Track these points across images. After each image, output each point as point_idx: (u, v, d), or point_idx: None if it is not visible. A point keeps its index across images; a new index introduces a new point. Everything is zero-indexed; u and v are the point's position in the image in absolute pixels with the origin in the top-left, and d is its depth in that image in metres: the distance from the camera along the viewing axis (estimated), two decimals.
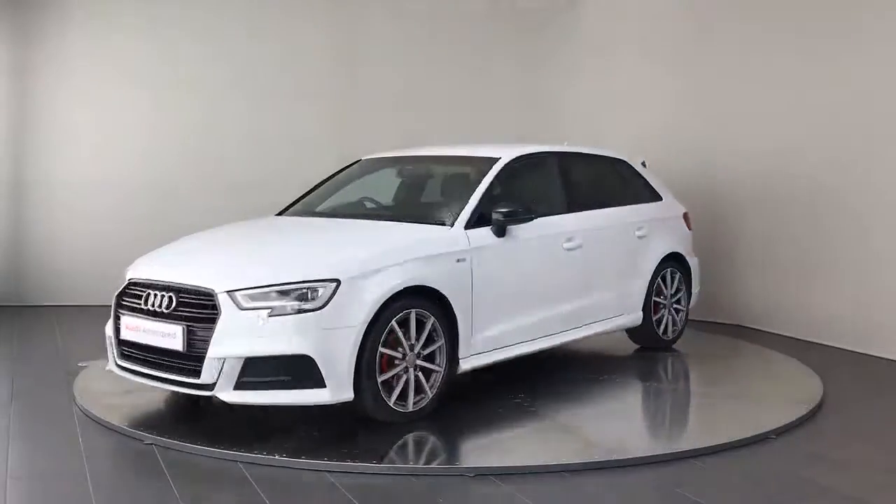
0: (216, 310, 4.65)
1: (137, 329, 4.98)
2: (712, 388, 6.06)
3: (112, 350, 5.24)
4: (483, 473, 4.30)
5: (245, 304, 4.64)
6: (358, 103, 9.61)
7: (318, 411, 4.97)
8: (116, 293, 5.22)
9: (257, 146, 9.39)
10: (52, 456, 4.66)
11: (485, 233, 5.43)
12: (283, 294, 4.66)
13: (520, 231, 5.58)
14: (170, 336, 4.78)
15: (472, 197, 5.57)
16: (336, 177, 6.67)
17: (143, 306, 4.97)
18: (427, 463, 4.45)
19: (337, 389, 4.63)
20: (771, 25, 7.88)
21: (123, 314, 5.11)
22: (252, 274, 4.77)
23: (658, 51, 9.00)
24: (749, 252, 8.14)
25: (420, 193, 6.45)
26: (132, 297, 5.11)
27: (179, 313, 4.78)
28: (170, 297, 4.84)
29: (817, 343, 7.41)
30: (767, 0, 7.97)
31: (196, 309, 4.74)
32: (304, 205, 6.39)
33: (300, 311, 4.61)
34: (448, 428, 4.90)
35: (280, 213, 6.38)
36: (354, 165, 6.73)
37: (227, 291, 4.67)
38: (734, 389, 5.87)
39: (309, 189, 6.65)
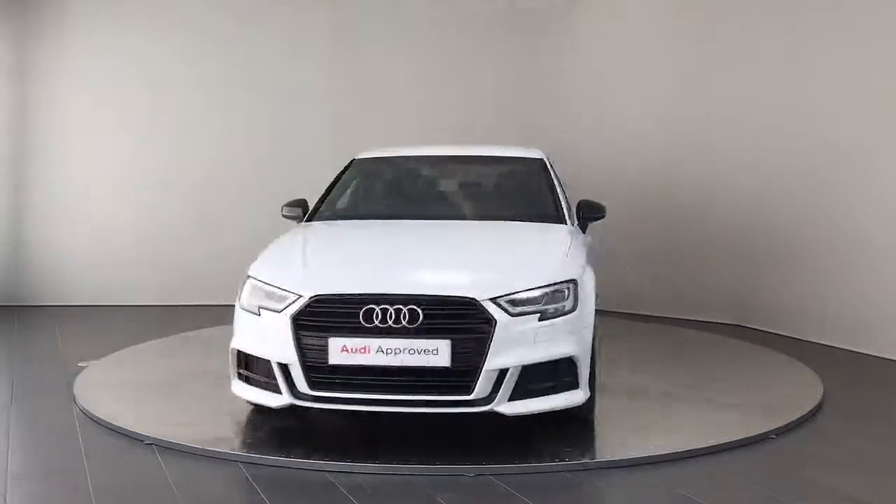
0: (485, 319, 4.38)
1: (368, 350, 4.34)
2: (712, 387, 6.05)
3: (301, 378, 4.44)
4: (483, 473, 4.29)
5: (513, 311, 4.44)
6: (358, 103, 9.61)
7: (307, 410, 4.96)
8: (292, 314, 4.47)
9: (258, 146, 9.40)
10: (52, 456, 4.66)
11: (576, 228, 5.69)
12: (539, 298, 4.54)
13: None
14: (430, 353, 4.32)
15: (557, 195, 5.84)
16: (343, 179, 6.23)
17: (372, 324, 4.36)
18: (427, 463, 4.45)
19: (585, 390, 4.64)
20: (771, 24, 7.88)
21: (331, 336, 4.39)
22: (503, 280, 4.53)
23: (658, 50, 9.00)
24: (748, 251, 8.14)
25: (477, 193, 6.39)
26: (335, 315, 4.45)
27: (438, 326, 4.36)
28: (411, 311, 4.35)
29: (817, 343, 7.41)
30: (767, 0, 7.97)
31: (458, 320, 4.40)
32: (350, 209, 5.99)
33: (562, 314, 4.55)
34: (448, 428, 4.89)
35: (310, 218, 5.86)
36: (362, 167, 6.39)
37: (491, 299, 4.41)
38: (734, 389, 5.86)
39: (325, 192, 6.16)
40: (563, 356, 4.51)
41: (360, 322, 4.37)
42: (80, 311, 8.77)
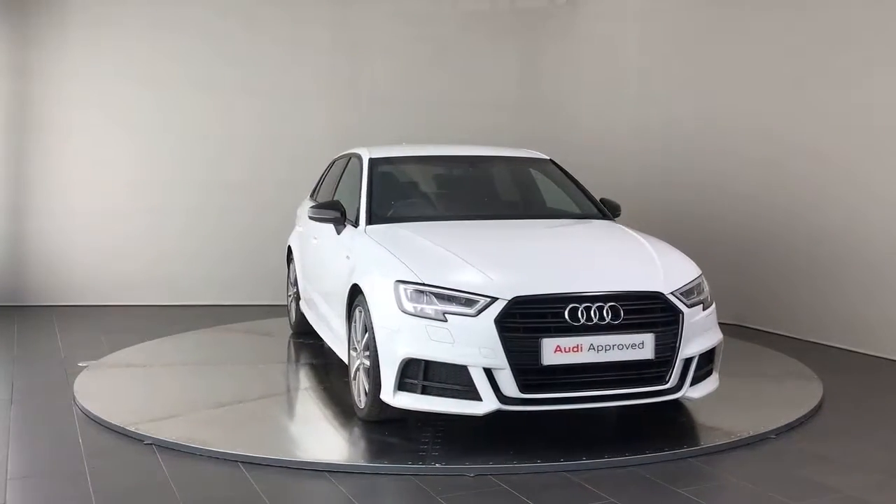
0: (674, 311, 4.62)
1: (580, 348, 4.40)
2: None
3: (511, 381, 4.37)
4: (483, 473, 4.30)
5: (688, 303, 4.73)
6: (358, 103, 9.62)
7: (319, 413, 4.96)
8: (495, 317, 4.39)
9: (259, 146, 9.39)
10: (52, 456, 4.66)
11: None
12: (694, 290, 4.86)
13: None
14: (636, 347, 4.48)
15: (588, 193, 6.22)
16: (373, 179, 6.00)
17: (579, 322, 4.41)
18: (427, 463, 4.46)
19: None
20: (771, 24, 7.88)
21: (544, 337, 4.38)
22: (672, 275, 4.82)
23: (658, 50, 9.00)
24: (748, 251, 8.14)
25: (512, 192, 6.47)
26: (541, 316, 4.44)
27: (640, 321, 4.52)
28: (613, 307, 4.47)
29: (817, 343, 7.41)
30: (767, 0, 7.97)
31: (655, 314, 4.59)
32: (406, 210, 5.85)
33: (709, 304, 4.96)
34: (448, 428, 4.90)
35: (371, 221, 5.60)
36: (380, 167, 6.17)
37: (672, 293, 4.67)
38: (734, 389, 5.86)
39: (368, 194, 5.84)
40: (719, 342, 4.96)
41: (567, 321, 4.41)
42: (80, 311, 8.77)
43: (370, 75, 9.70)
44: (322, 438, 4.98)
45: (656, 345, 4.52)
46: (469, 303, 4.46)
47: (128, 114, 9.19)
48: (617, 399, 4.55)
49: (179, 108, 9.26)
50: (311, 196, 7.59)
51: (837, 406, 5.55)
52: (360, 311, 4.98)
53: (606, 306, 4.46)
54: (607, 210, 6.14)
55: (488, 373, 4.37)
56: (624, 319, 4.47)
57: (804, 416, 5.25)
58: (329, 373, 6.32)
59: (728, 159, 8.27)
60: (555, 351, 4.37)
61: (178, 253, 9.25)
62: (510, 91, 9.91)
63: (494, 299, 4.42)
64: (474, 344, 4.38)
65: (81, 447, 4.70)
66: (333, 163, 7.38)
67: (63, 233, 9.10)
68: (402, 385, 4.56)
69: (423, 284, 4.59)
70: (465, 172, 6.58)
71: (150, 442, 4.73)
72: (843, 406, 5.58)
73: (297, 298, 7.36)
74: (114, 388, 5.91)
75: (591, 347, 4.41)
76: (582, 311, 4.44)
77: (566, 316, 4.42)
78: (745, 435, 4.85)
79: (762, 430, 4.94)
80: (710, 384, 4.93)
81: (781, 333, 7.75)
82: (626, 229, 5.72)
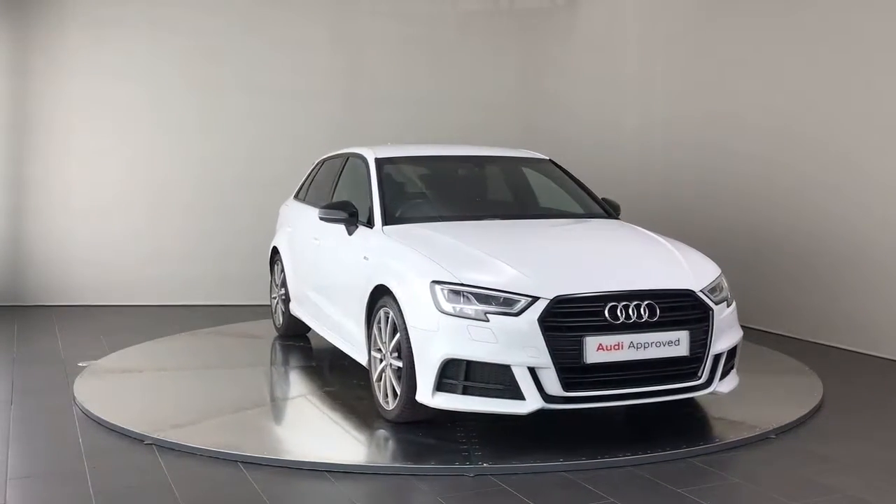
0: (704, 308, 4.74)
1: (621, 346, 4.47)
2: None
3: (555, 380, 4.40)
4: (483, 473, 4.30)
5: (715, 300, 4.84)
6: (358, 102, 9.62)
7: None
8: (538, 316, 4.41)
9: (258, 146, 9.40)
10: (52, 456, 4.66)
11: None
12: (718, 288, 4.98)
13: None
14: (672, 344, 4.58)
15: (591, 193, 6.30)
16: (384, 179, 5.93)
17: (619, 321, 4.48)
18: (427, 463, 4.45)
19: None
20: (771, 23, 7.87)
21: (587, 336, 4.43)
22: (697, 273, 4.95)
23: (657, 50, 9.00)
24: (748, 251, 8.14)
25: (519, 191, 6.51)
26: (582, 315, 4.48)
27: (675, 318, 4.63)
28: (649, 306, 4.56)
29: (817, 343, 7.41)
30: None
31: (688, 311, 4.70)
32: (423, 210, 5.84)
33: (731, 302, 5.11)
34: (448, 427, 4.90)
35: (387, 222, 5.56)
36: (387, 167, 6.09)
37: (701, 290, 4.79)
38: (734, 389, 5.86)
39: (380, 196, 5.76)
40: (740, 339, 5.08)
41: (607, 320, 4.48)
42: (80, 311, 8.77)
43: (369, 75, 9.70)
44: (322, 438, 4.98)
45: (691, 341, 4.64)
46: (509, 302, 4.48)
47: (127, 114, 9.20)
48: (654, 395, 4.63)
49: (178, 107, 9.27)
50: (296, 197, 7.52)
51: (837, 406, 5.55)
52: (386, 313, 4.94)
53: (643, 305, 4.55)
54: (610, 210, 6.22)
55: (532, 372, 4.39)
56: (660, 317, 4.57)
57: (804, 416, 5.25)
58: (328, 374, 6.32)
59: (728, 159, 8.27)
60: (597, 349, 4.43)
61: (179, 253, 9.25)
62: (510, 91, 9.92)
63: (536, 299, 4.45)
64: (518, 343, 4.39)
65: (81, 447, 4.70)
66: (322, 163, 7.32)
67: (63, 233, 9.11)
68: (440, 385, 4.54)
69: (462, 285, 4.59)
70: (470, 172, 6.60)
71: (150, 442, 4.73)
72: (844, 406, 5.58)
73: (285, 300, 7.23)
74: (113, 389, 5.91)
75: (631, 345, 4.49)
76: (621, 310, 4.50)
77: (606, 314, 4.48)
78: (745, 435, 4.85)
79: (762, 430, 4.94)
80: (734, 379, 5.06)
81: (782, 333, 7.75)
82: (640, 228, 5.80)
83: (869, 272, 7.09)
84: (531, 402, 4.41)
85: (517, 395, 4.42)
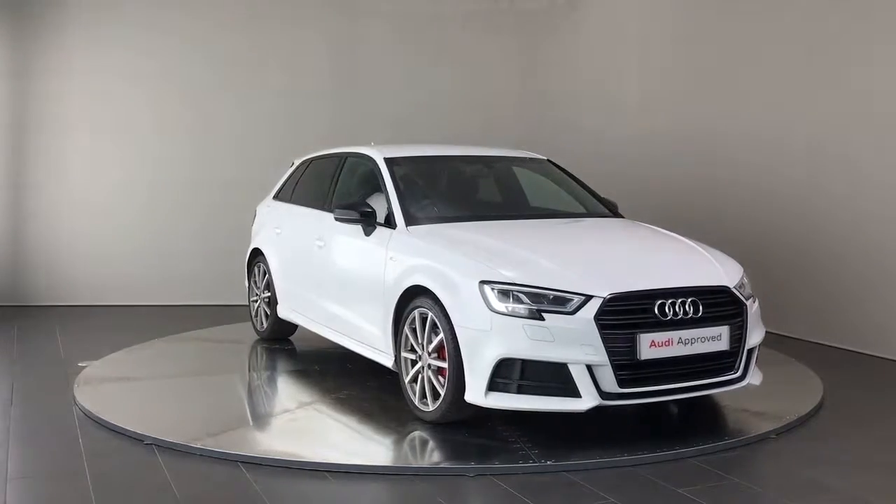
0: (738, 304, 4.87)
1: (671, 342, 4.57)
2: None
3: (611, 377, 4.46)
4: (483, 473, 4.30)
5: (745, 295, 4.98)
6: (358, 102, 9.62)
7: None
8: (595, 313, 4.45)
9: (258, 145, 9.40)
10: (52, 456, 4.66)
11: None
12: (744, 285, 5.09)
13: None
14: (715, 339, 4.72)
15: (594, 193, 6.38)
16: (398, 178, 5.88)
17: (667, 317, 4.57)
18: (427, 463, 4.45)
19: None
20: (770, 23, 7.87)
21: (640, 333, 4.51)
22: (728, 270, 5.08)
23: (657, 50, 9.00)
24: (748, 250, 8.13)
25: (526, 191, 6.52)
26: (634, 312, 4.55)
27: (716, 314, 4.76)
28: (693, 302, 4.66)
29: (817, 343, 7.41)
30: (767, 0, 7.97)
31: (726, 307, 4.82)
32: (424, 209, 5.75)
33: (755, 299, 5.16)
34: (448, 428, 4.90)
35: (410, 222, 5.49)
36: (400, 167, 6.04)
37: (734, 287, 4.92)
38: (734, 389, 5.86)
39: (398, 194, 5.70)
40: (764, 334, 5.18)
41: (657, 316, 4.56)
42: (80, 311, 8.77)
43: (369, 75, 9.70)
44: (323, 438, 4.98)
45: (731, 336, 4.77)
46: (561, 301, 4.51)
47: (127, 114, 9.20)
48: (699, 389, 4.78)
49: (179, 107, 9.27)
50: (277, 198, 7.40)
51: (837, 406, 5.55)
52: (422, 314, 4.91)
53: (688, 301, 4.65)
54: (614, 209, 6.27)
55: (588, 369, 4.44)
56: (703, 313, 4.68)
57: (804, 416, 5.24)
58: (333, 378, 6.32)
59: (729, 159, 8.27)
60: (650, 346, 4.52)
61: (179, 252, 9.25)
62: (510, 91, 9.92)
63: (589, 297, 4.50)
64: (576, 341, 4.43)
65: (81, 447, 4.70)
66: (309, 163, 7.22)
67: (63, 233, 9.11)
68: (492, 385, 4.54)
69: (513, 284, 4.59)
70: (478, 172, 6.60)
71: (150, 442, 4.73)
72: (844, 406, 5.57)
73: (270, 303, 7.09)
74: (113, 389, 5.91)
75: (680, 341, 4.59)
76: (669, 306, 4.59)
77: (656, 311, 4.56)
78: (745, 435, 4.86)
79: (762, 430, 4.94)
80: (759, 373, 5.15)
81: (782, 333, 7.74)
82: (657, 228, 5.89)
83: (869, 272, 7.09)
84: (588, 400, 4.46)
85: (573, 392, 4.46)
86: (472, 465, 4.37)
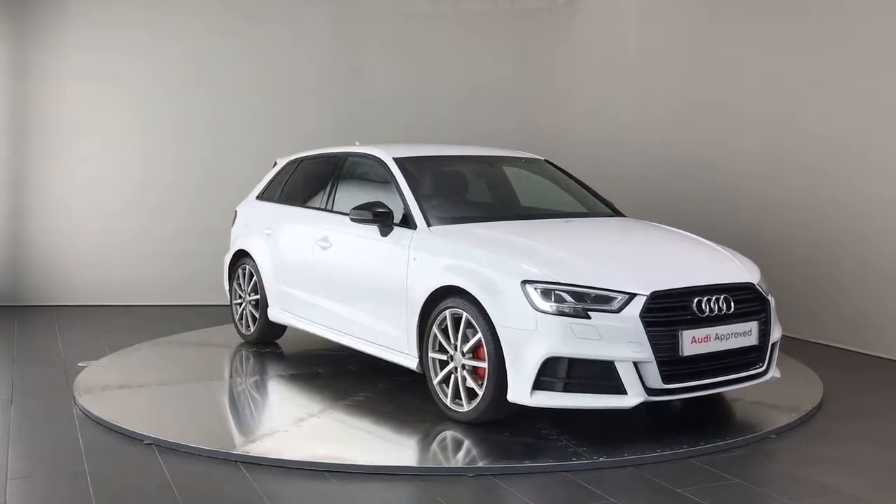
0: (763, 301, 5.03)
1: (708, 339, 4.68)
2: None
3: (656, 373, 4.52)
4: (483, 473, 4.30)
5: (765, 290, 5.10)
6: (358, 102, 9.61)
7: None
8: (640, 311, 4.52)
9: (258, 145, 9.38)
10: (52, 456, 4.66)
11: None
12: (764, 281, 5.22)
13: None
14: (746, 335, 4.85)
15: (595, 193, 6.43)
16: (409, 178, 5.80)
17: (704, 314, 4.67)
18: (427, 463, 4.45)
19: None
20: (771, 23, 7.87)
21: (682, 329, 4.58)
22: (750, 268, 5.23)
23: (657, 50, 9.00)
24: (748, 251, 8.11)
25: (533, 191, 6.59)
26: (675, 310, 4.63)
27: (746, 310, 4.89)
28: (726, 299, 4.78)
29: (817, 343, 7.41)
30: None
31: (754, 303, 4.96)
32: (441, 209, 5.69)
33: (772, 297, 5.24)
34: (448, 428, 4.90)
35: (430, 223, 5.44)
36: (408, 167, 5.97)
37: (756, 283, 5.06)
38: (734, 389, 5.86)
39: (413, 195, 5.64)
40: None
41: (695, 313, 4.67)
42: (80, 311, 8.77)
43: (369, 75, 9.70)
44: (323, 439, 4.98)
45: (760, 332, 4.93)
46: (605, 299, 4.56)
47: (127, 114, 9.20)
48: (732, 384, 4.90)
49: (179, 108, 9.27)
50: (259, 197, 7.30)
51: (838, 406, 5.55)
52: (454, 314, 4.88)
53: (721, 298, 4.76)
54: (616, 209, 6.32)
55: (634, 366, 4.50)
56: (735, 310, 4.80)
57: (804, 415, 5.25)
58: (336, 381, 6.32)
59: (728, 159, 8.27)
60: (691, 342, 4.61)
61: (179, 252, 9.25)
62: (509, 91, 9.91)
63: (633, 295, 4.57)
64: (622, 339, 4.49)
65: (81, 447, 4.70)
66: (299, 163, 7.14)
67: (63, 233, 9.11)
68: (537, 384, 4.56)
69: (557, 283, 4.61)
70: (485, 172, 6.60)
71: (150, 442, 4.73)
72: (844, 406, 5.58)
73: (257, 306, 6.96)
74: (113, 388, 5.91)
75: (717, 337, 4.72)
76: (705, 304, 4.69)
77: (694, 308, 4.66)
78: (745, 435, 4.86)
79: (762, 430, 4.95)
80: (777, 367, 5.25)
81: (782, 333, 7.74)
82: (667, 227, 6.01)
83: (869, 272, 7.09)
84: (634, 396, 4.52)
85: (619, 389, 4.51)
86: (526, 463, 4.38)
